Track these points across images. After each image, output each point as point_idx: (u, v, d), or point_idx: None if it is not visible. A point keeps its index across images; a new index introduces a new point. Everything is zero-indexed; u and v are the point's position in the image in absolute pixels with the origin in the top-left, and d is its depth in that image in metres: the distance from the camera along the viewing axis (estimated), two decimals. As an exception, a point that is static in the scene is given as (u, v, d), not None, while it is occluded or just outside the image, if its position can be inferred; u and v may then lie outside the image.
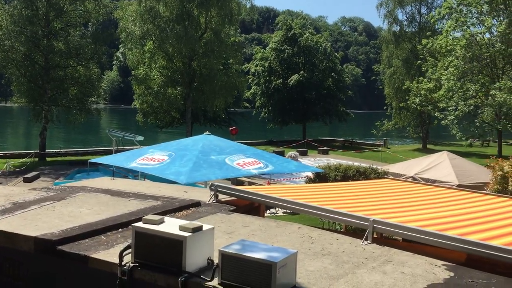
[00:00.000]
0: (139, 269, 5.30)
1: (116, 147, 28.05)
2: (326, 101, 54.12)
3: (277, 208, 17.98)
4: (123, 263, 5.36)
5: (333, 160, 34.23)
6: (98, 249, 5.83)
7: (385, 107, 53.46)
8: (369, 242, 6.41)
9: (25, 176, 26.41)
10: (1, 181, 24.83)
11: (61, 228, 6.42)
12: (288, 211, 18.64)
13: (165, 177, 11.71)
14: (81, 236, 6.21)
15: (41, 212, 7.21)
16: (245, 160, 12.50)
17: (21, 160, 31.27)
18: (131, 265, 5.33)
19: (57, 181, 25.26)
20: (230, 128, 39.17)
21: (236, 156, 12.63)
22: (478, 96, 32.35)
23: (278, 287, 4.60)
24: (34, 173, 27.29)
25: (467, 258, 5.94)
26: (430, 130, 52.38)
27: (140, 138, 25.36)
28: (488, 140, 49.21)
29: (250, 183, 23.66)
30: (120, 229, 6.69)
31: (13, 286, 6.11)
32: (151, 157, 12.72)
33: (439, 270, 5.46)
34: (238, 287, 4.77)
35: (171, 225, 5.41)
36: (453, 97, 32.10)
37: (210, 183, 8.82)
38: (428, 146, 49.23)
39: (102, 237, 6.34)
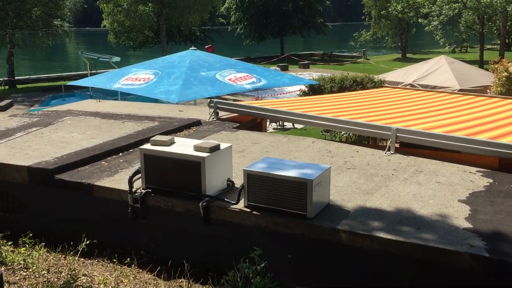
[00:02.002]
0: (152, 195, 4.79)
1: (90, 71, 26.65)
2: (303, 13, 52.21)
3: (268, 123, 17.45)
4: (133, 190, 4.84)
5: (315, 73, 33.43)
6: (101, 176, 5.26)
7: (363, 17, 51.95)
8: (392, 152, 5.98)
9: (-2, 105, 25.11)
10: (-28, 112, 23.59)
11: (56, 155, 5.79)
12: (278, 127, 18.20)
13: (153, 97, 10.97)
14: (79, 163, 5.60)
15: (29, 139, 6.52)
16: (236, 75, 11.76)
17: (-10, 89, 29.70)
18: (143, 191, 4.81)
19: (32, 108, 24.10)
20: (206, 46, 37.57)
21: (226, 71, 11.86)
22: (460, 0, 31.35)
23: (314, 206, 4.16)
24: (6, 101, 25.88)
25: (500, 163, 5.59)
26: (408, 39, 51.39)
27: (117, 59, 23.92)
28: (467, 46, 48.70)
29: (235, 101, 22.97)
30: (120, 153, 6.09)
31: (8, 221, 5.56)
32: (135, 76, 11.86)
33: (476, 177, 5.09)
34: (268, 209, 4.31)
35: (183, 146, 4.84)
36: (437, 1, 31.04)
37: (209, 100, 8.17)
38: (407, 55, 48.59)
39: (103, 162, 5.74)
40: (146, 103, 11.08)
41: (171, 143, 4.90)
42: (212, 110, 7.99)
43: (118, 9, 35.96)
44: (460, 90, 11.41)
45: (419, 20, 35.08)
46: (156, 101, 18.01)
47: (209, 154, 4.55)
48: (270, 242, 4.29)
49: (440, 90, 11.27)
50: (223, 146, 4.77)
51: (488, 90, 12.16)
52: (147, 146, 4.86)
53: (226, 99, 24.44)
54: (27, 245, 4.57)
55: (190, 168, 4.58)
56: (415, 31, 48.27)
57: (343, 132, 12.38)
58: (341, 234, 3.97)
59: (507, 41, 35.02)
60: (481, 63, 31.23)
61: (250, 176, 4.34)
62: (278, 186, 4.22)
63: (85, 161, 5.67)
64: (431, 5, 31.74)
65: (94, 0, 42.43)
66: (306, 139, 6.80)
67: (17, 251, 4.51)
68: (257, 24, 51.07)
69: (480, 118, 7.22)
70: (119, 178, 5.22)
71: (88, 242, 4.55)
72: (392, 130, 5.98)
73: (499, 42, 49.05)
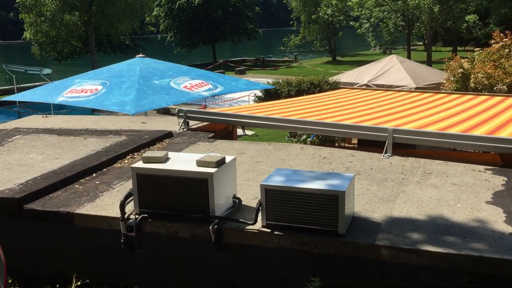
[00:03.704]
0: (150, 221, 4.14)
1: (17, 85, 24.73)
2: (233, 19, 52.15)
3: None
4: (126, 216, 4.16)
5: (252, 79, 33.19)
6: (81, 202, 4.53)
7: (291, 22, 52.68)
8: (390, 154, 5.69)
9: None
10: None
11: (19, 181, 4.96)
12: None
13: (105, 109, 10.08)
14: (50, 188, 4.82)
15: (-20, 165, 5.60)
16: (191, 83, 11.12)
17: None
18: (138, 217, 4.15)
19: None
20: (137, 56, 36.35)
21: (180, 78, 11.18)
22: (386, 3, 32.39)
23: (345, 220, 3.72)
24: None
25: (502, 159, 5.44)
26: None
27: (48, 71, 22.31)
28: (390, 48, 50.69)
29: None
30: (94, 174, 5.35)
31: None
32: (81, 88, 10.87)
33: (488, 176, 4.88)
34: (290, 228, 3.82)
35: (181, 161, 4.23)
36: (366, 4, 31.92)
37: (177, 109, 7.53)
38: (337, 58, 49.72)
39: (77, 186, 4.99)
40: (98, 116, 10.24)
41: (166, 159, 4.28)
42: (181, 120, 7.37)
43: (42, 18, 33.81)
44: (416, 88, 11.51)
45: (351, 23, 35.92)
46: (93, 112, 16.87)
47: (216, 169, 3.99)
48: (297, 265, 3.80)
49: (398, 89, 11.28)
50: (228, 158, 4.24)
51: (442, 87, 12.39)
52: (139, 164, 4.21)
53: (169, 109, 23.50)
54: (3, 294, 3.76)
55: (195, 187, 3.99)
56: (342, 34, 49.78)
57: (304, 136, 12.11)
58: (382, 250, 3.55)
59: (426, 41, 36.51)
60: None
61: (268, 192, 3.82)
62: (302, 201, 3.74)
63: (56, 186, 4.90)
64: (360, 9, 32.61)
65: (8, 11, 39.53)
66: (293, 145, 6.37)
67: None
68: (188, 32, 50.35)
69: (459, 113, 7.13)
70: (102, 203, 4.51)
71: (80, 283, 3.82)
72: (389, 131, 5.68)
73: (420, 43, 51.58)
